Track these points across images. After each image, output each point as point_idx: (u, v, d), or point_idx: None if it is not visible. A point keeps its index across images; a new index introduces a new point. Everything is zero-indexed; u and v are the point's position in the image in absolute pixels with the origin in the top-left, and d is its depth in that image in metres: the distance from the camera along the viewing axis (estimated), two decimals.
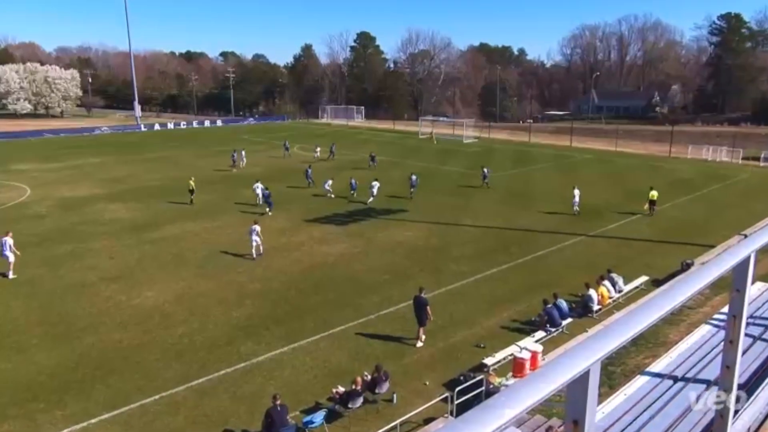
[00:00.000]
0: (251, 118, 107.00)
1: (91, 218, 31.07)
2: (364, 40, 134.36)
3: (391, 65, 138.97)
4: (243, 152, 49.55)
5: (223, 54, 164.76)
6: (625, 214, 32.46)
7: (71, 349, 16.46)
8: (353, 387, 13.44)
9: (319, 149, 52.74)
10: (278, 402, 12.28)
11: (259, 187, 34.03)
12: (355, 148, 57.82)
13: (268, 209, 31.91)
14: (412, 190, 36.30)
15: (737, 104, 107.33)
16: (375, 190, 34.49)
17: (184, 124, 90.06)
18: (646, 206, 32.24)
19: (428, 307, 17.02)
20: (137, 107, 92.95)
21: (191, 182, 34.70)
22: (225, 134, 77.21)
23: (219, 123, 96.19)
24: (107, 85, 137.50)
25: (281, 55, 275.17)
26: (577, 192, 32.38)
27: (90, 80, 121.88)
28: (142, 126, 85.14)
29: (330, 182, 36.13)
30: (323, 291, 20.97)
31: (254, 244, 24.30)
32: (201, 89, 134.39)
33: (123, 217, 31.50)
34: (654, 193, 32.10)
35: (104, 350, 16.45)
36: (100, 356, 16.09)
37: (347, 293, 20.73)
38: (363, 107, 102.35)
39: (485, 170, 39.74)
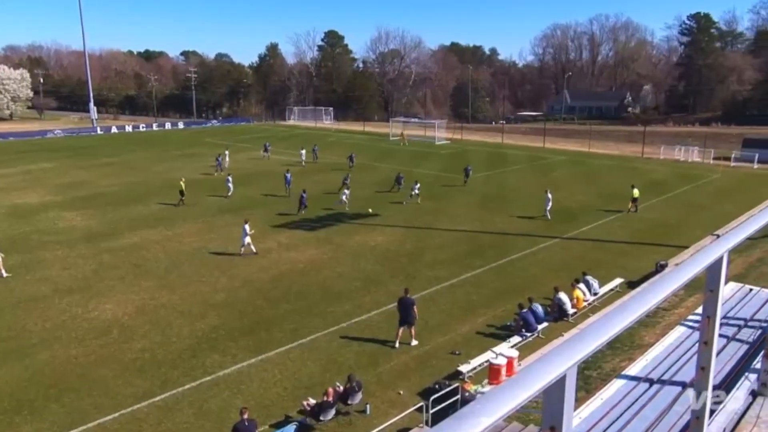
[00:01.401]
0: (214, 120, 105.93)
1: (43, 227, 30.24)
2: (332, 39, 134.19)
3: (360, 65, 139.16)
4: (227, 153, 50.43)
5: (184, 53, 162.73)
6: (599, 216, 33.10)
7: (23, 367, 15.96)
8: (325, 398, 13.36)
9: (304, 152, 52.20)
10: (246, 416, 12.12)
11: (230, 181, 37.50)
12: (327, 151, 57.61)
13: (302, 210, 32.69)
14: (398, 186, 38.73)
15: (708, 104, 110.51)
16: (416, 191, 36.41)
17: (143, 127, 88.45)
18: (630, 205, 33.90)
19: (415, 307, 17.35)
20: (93, 109, 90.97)
21: (182, 183, 35.68)
22: (187, 137, 76.15)
23: (180, 125, 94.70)
24: (60, 85, 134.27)
25: (246, 55, 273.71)
26: (549, 195, 32.46)
27: (41, 80, 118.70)
28: (99, 129, 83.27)
29: (347, 192, 34.66)
30: (292, 299, 20.82)
31: (246, 242, 25.32)
32: (161, 90, 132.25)
33: (78, 225, 30.75)
34: (636, 191, 33.82)
35: (59, 367, 16.00)
36: (55, 373, 15.65)
37: (317, 301, 20.62)
38: (332, 108, 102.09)
39: (468, 168, 42.41)
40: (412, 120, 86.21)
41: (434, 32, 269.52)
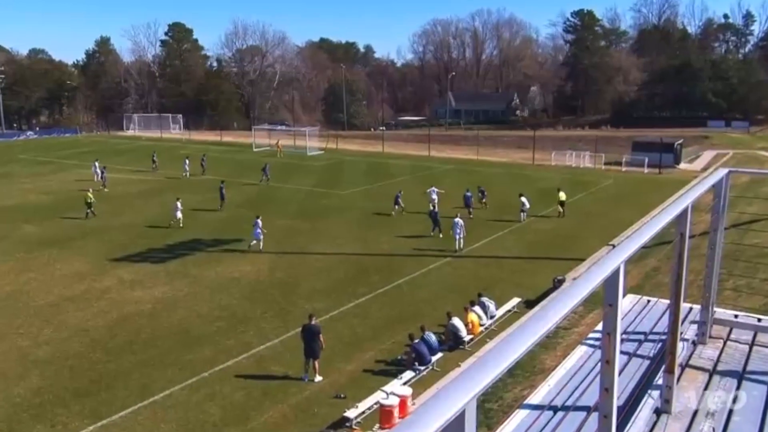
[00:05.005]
0: (30, 132, 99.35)
1: None
2: (178, 32, 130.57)
3: (215, 64, 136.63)
4: (96, 163, 50.53)
5: None
6: (492, 229, 34.71)
7: None
8: None
9: (188, 162, 53.32)
10: None
11: (178, 207, 35.09)
12: (179, 164, 55.68)
13: (436, 231, 32.77)
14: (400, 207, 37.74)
15: (596, 106, 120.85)
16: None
17: None
18: (560, 209, 37.20)
19: (321, 336, 17.83)
20: None
21: (89, 194, 37.31)
22: None
23: None
24: None
25: (69, 51, 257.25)
26: (459, 221, 31.08)
27: None
28: None
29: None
30: (139, 349, 19.78)
31: (260, 237, 29.88)
32: None
33: None
34: (562, 194, 37.34)
35: None
36: None
37: (171, 348, 19.75)
38: (180, 115, 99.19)
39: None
40: (279, 127, 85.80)
41: (300, 27, 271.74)
